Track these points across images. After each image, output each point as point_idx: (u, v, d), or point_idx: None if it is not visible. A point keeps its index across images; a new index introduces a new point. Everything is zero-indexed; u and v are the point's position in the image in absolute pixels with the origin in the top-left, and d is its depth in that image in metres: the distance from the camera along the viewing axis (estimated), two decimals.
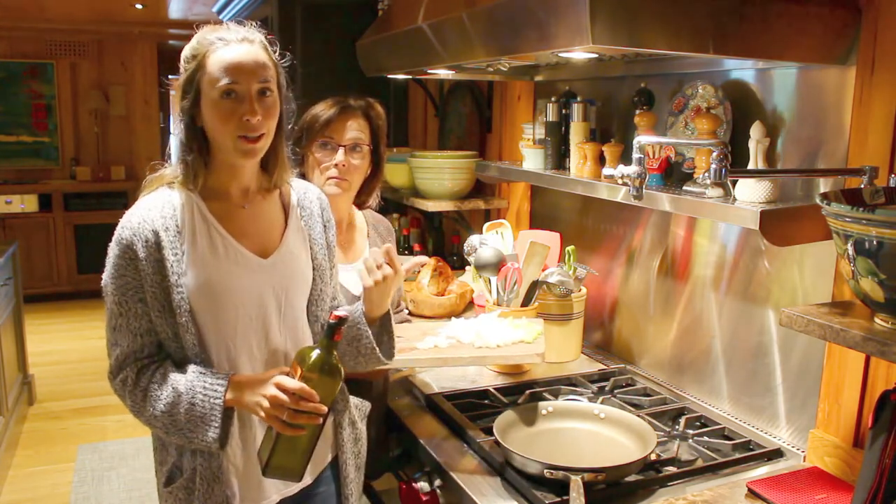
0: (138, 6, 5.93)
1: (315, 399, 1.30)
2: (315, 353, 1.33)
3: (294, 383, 1.30)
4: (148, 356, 1.39)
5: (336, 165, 1.89)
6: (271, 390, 1.30)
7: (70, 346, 5.53)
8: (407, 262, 1.61)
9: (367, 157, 1.95)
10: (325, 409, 1.32)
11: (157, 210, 1.37)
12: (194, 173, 1.39)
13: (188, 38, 1.40)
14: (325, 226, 1.58)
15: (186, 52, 1.39)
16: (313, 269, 1.52)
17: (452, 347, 1.85)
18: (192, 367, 1.37)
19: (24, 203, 6.41)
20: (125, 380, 1.38)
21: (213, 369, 1.38)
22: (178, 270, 1.34)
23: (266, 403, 1.30)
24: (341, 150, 1.89)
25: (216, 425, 1.33)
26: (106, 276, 1.38)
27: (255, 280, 1.42)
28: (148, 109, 7.20)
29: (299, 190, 1.57)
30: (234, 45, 1.36)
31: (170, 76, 6.93)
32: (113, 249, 1.37)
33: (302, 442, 1.34)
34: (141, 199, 1.41)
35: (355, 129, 1.91)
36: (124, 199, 6.79)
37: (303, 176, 1.88)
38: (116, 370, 1.39)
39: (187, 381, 1.34)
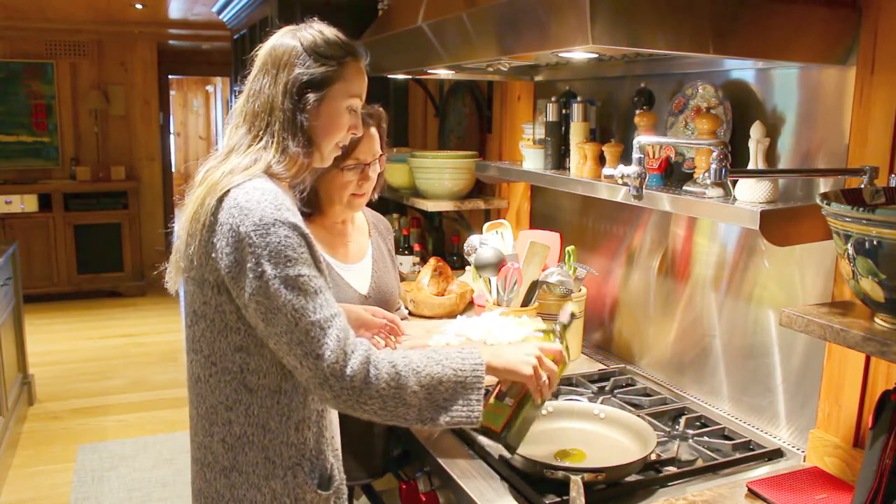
0: (138, 6, 5.93)
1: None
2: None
3: (554, 347, 1.44)
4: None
5: (362, 184, 1.88)
6: (537, 351, 1.40)
7: (70, 346, 5.53)
8: None
9: (383, 164, 1.95)
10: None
11: (284, 195, 1.30)
12: (307, 165, 1.37)
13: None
14: None
15: (320, 47, 1.34)
16: None
17: (464, 345, 1.86)
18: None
19: (24, 203, 6.41)
20: (367, 360, 1.23)
21: None
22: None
23: (535, 361, 1.38)
24: (367, 170, 1.88)
25: (480, 390, 1.29)
26: (274, 265, 1.21)
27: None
28: (148, 109, 7.20)
29: None
30: (361, 58, 1.39)
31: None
32: (277, 233, 1.22)
33: (531, 416, 1.45)
34: (259, 184, 1.27)
35: (373, 143, 1.89)
36: (124, 199, 6.79)
37: (315, 191, 1.86)
38: (344, 356, 1.22)
39: (435, 351, 1.31)
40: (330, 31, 1.38)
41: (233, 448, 1.33)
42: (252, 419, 1.32)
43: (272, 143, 1.32)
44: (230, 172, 1.29)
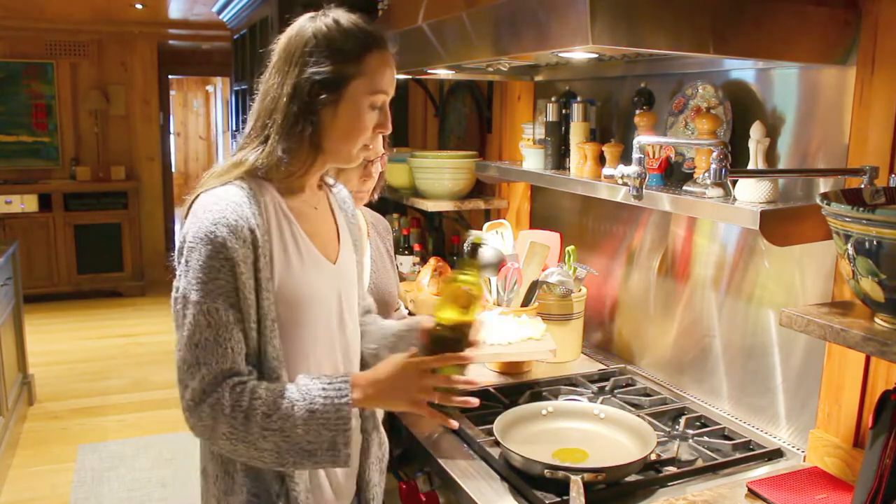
0: (138, 6, 5.93)
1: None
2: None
3: (432, 361, 1.26)
4: (239, 373, 1.21)
5: (365, 181, 1.89)
6: (416, 385, 1.25)
7: (70, 346, 5.53)
8: None
9: (384, 163, 1.96)
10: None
11: (247, 206, 1.21)
12: (300, 171, 1.29)
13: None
14: (351, 224, 1.52)
15: (336, 40, 1.23)
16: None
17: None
18: (300, 377, 1.25)
19: (24, 203, 6.41)
20: (218, 403, 1.18)
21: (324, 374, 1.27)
22: (267, 274, 1.23)
23: (421, 396, 1.25)
24: (370, 167, 1.89)
25: (346, 431, 1.20)
26: (188, 281, 1.19)
27: (329, 285, 1.34)
28: (148, 109, 7.20)
29: (335, 187, 1.52)
30: (385, 49, 1.27)
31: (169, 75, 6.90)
32: (200, 250, 1.18)
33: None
34: (223, 191, 1.23)
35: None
36: (124, 199, 6.79)
37: None
38: (202, 395, 1.18)
39: (298, 388, 1.22)
40: (347, 20, 1.26)
41: (204, 455, 1.35)
42: None
43: (263, 146, 1.26)
44: (212, 175, 1.28)
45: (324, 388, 1.22)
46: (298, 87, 1.23)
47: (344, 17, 1.27)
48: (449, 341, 1.31)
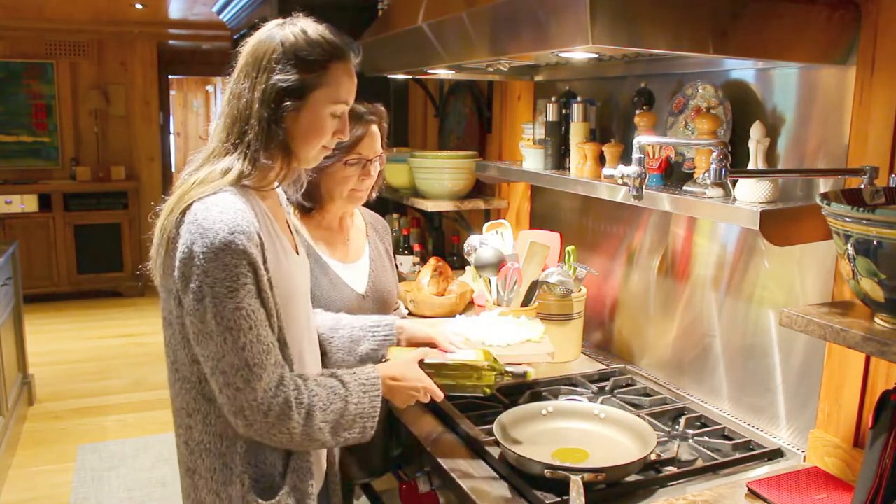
0: (138, 6, 5.93)
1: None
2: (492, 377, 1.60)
3: (439, 394, 1.52)
4: (284, 365, 1.28)
5: (363, 180, 1.89)
6: (422, 395, 1.50)
7: (70, 346, 5.53)
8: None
9: (383, 162, 1.96)
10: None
11: (249, 211, 1.26)
12: (281, 174, 1.33)
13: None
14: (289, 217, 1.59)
15: (302, 49, 1.27)
16: None
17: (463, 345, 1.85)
18: (336, 371, 1.40)
19: (24, 203, 6.41)
20: (286, 401, 1.25)
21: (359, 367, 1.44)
22: (273, 274, 1.29)
23: (419, 397, 1.49)
24: (369, 166, 1.89)
25: (375, 417, 1.37)
26: (217, 292, 1.20)
27: (301, 276, 1.44)
28: (148, 109, 7.20)
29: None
30: (348, 59, 1.32)
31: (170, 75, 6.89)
32: (224, 259, 1.20)
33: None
34: (221, 199, 1.24)
35: (375, 140, 1.90)
36: (124, 199, 6.80)
37: (317, 185, 1.87)
38: (265, 393, 1.23)
39: (343, 384, 1.35)
40: (314, 30, 1.29)
41: (193, 452, 1.35)
42: (210, 428, 1.32)
43: (246, 153, 1.27)
44: (200, 182, 1.28)
45: (363, 384, 1.38)
46: (266, 93, 1.26)
47: (311, 26, 1.30)
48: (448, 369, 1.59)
